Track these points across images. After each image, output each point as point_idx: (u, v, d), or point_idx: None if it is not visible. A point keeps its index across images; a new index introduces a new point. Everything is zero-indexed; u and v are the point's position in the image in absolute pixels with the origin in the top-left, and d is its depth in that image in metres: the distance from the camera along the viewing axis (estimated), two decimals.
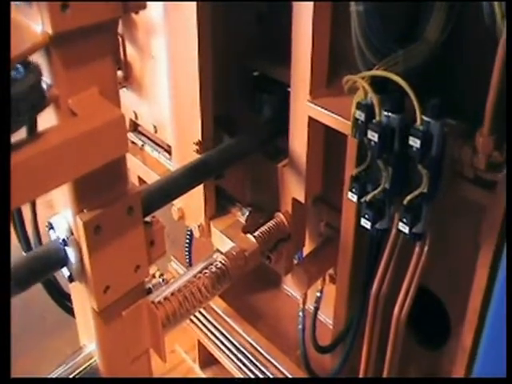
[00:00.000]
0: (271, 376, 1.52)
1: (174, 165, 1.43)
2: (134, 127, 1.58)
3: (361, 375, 1.30)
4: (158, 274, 1.42)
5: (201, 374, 1.91)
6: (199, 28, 1.13)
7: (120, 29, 1.35)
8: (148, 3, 0.80)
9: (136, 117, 1.52)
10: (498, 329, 0.83)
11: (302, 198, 1.26)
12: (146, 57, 1.37)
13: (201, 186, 1.28)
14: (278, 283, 1.75)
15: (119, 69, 1.41)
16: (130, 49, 1.41)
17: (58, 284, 1.49)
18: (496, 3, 0.78)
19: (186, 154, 1.29)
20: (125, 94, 1.47)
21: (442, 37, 0.99)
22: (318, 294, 1.43)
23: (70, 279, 0.91)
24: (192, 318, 1.67)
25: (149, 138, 1.57)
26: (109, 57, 0.79)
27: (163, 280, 1.41)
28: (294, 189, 1.26)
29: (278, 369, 1.52)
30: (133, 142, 1.58)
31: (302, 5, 1.05)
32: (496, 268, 0.97)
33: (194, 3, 1.11)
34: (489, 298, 1.00)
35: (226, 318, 1.64)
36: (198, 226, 1.38)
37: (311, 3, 1.03)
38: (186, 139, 1.28)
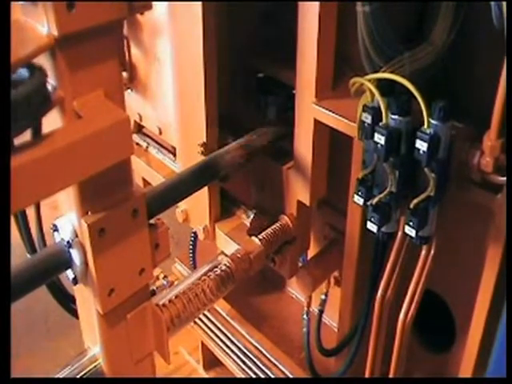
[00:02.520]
0: None
1: (178, 166, 1.42)
2: (138, 129, 1.58)
3: None
4: (161, 276, 1.42)
5: (204, 375, 1.91)
6: (204, 29, 1.13)
7: (125, 30, 1.35)
8: (153, 4, 0.80)
9: (140, 118, 1.51)
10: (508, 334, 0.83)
11: (306, 201, 1.26)
12: (151, 58, 1.37)
13: (205, 188, 1.28)
14: (282, 285, 1.74)
15: (124, 70, 1.41)
16: (135, 50, 1.40)
17: (62, 286, 1.49)
18: (504, 5, 0.78)
19: (190, 155, 1.28)
20: (129, 96, 1.46)
21: (449, 39, 0.98)
22: (323, 297, 1.43)
23: (75, 281, 0.91)
24: (196, 319, 1.67)
25: (153, 140, 1.57)
26: (114, 59, 0.78)
27: (167, 282, 1.40)
28: (299, 191, 1.26)
29: (282, 371, 1.51)
30: (137, 144, 1.57)
31: (307, 6, 1.05)
32: (503, 271, 0.97)
33: (199, 4, 1.11)
34: (495, 302, 1.00)
35: (229, 320, 1.64)
36: (203, 228, 1.37)
37: (317, 4, 1.03)
38: (191, 141, 1.28)
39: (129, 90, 1.46)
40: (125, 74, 1.42)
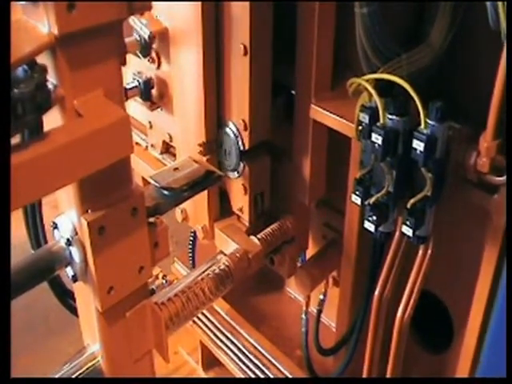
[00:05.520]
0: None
1: None
2: (166, 149, 1.46)
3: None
4: (161, 275, 1.42)
5: (203, 375, 1.91)
6: (204, 32, 1.13)
7: (155, 45, 1.24)
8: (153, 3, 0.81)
9: (171, 139, 1.39)
10: (501, 333, 0.83)
11: (305, 201, 1.26)
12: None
13: None
14: (281, 285, 1.75)
15: (152, 88, 1.31)
16: (165, 66, 1.28)
17: (62, 283, 1.49)
18: (501, 8, 0.78)
19: (190, 155, 1.29)
20: (159, 115, 1.37)
21: (446, 40, 0.99)
22: (322, 297, 1.43)
23: (74, 279, 0.91)
24: (195, 319, 1.67)
25: None
26: (114, 58, 0.79)
27: (166, 281, 1.41)
28: (298, 191, 1.26)
29: (281, 371, 1.51)
30: (137, 143, 1.57)
31: (306, 6, 1.05)
32: (500, 272, 0.97)
33: (199, 4, 1.11)
34: (492, 302, 1.00)
35: (228, 319, 1.64)
36: (202, 228, 1.38)
37: (316, 4, 1.03)
38: (191, 140, 1.28)
39: (159, 109, 1.36)
40: (154, 91, 1.31)
